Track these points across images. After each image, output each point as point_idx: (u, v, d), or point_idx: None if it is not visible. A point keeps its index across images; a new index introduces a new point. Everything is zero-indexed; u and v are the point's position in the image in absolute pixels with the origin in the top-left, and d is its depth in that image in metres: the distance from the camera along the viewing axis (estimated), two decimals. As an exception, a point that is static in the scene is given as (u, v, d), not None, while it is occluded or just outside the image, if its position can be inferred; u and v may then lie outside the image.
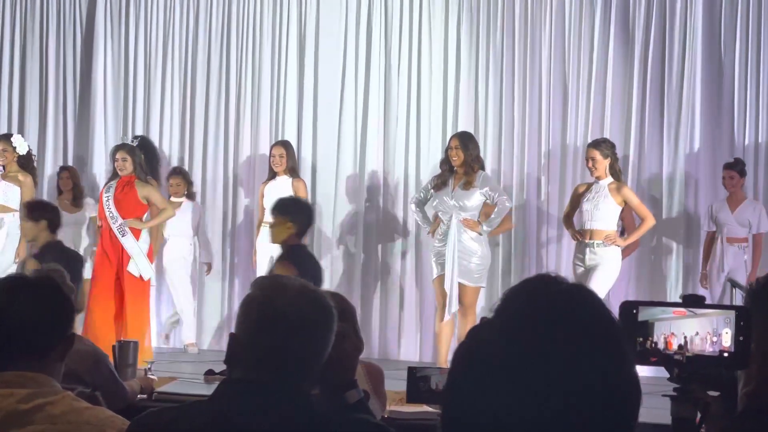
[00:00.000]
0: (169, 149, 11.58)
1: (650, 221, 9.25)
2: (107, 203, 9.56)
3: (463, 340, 1.61)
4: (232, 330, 2.58)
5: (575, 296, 1.56)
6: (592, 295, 1.58)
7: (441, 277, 9.26)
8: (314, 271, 6.81)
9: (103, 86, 11.77)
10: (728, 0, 10.23)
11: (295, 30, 11.34)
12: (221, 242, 11.34)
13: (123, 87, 11.79)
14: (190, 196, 10.86)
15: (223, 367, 2.70)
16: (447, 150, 9.51)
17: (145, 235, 9.70)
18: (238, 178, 11.42)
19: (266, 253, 10.17)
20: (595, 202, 9.03)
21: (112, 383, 5.41)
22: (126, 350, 6.25)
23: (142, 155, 10.32)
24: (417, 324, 10.78)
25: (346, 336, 2.96)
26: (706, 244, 9.94)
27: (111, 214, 9.52)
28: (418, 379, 3.96)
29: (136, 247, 9.52)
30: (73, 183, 10.91)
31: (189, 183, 10.90)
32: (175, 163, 11.52)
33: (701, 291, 9.75)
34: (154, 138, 11.30)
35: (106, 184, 9.86)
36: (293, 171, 10.29)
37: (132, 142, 10.09)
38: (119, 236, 9.51)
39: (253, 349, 2.49)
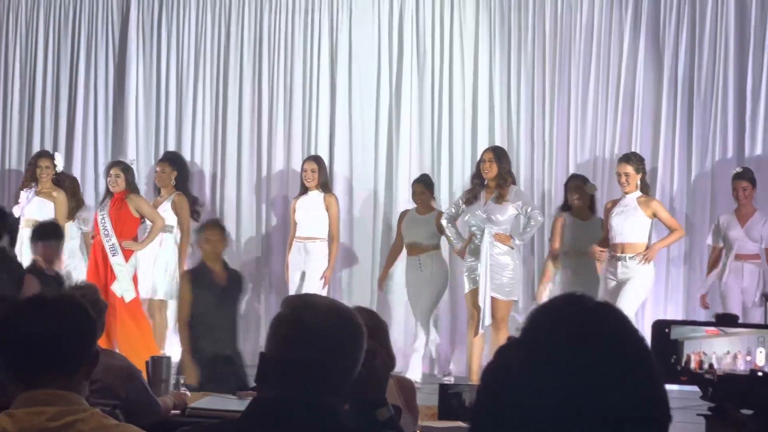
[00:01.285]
0: (201, 164, 11.62)
1: (680, 232, 9.21)
2: (102, 221, 9.70)
3: (491, 359, 1.61)
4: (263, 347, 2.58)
5: (602, 315, 1.56)
6: (618, 314, 1.57)
7: (473, 292, 9.25)
8: (9, 272, 7.33)
9: (135, 102, 11.84)
10: (759, 11, 10.17)
11: (327, 44, 11.37)
12: (255, 258, 11.36)
13: (155, 103, 11.86)
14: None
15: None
16: (479, 163, 9.50)
17: (132, 260, 9.81)
18: (270, 194, 11.44)
19: (298, 268, 10.18)
20: (624, 215, 9.01)
21: (145, 398, 5.43)
22: (159, 366, 6.28)
23: (176, 171, 10.40)
24: (449, 339, 10.73)
25: (377, 353, 2.95)
26: (710, 260, 9.45)
27: (106, 232, 9.62)
28: (449, 396, 3.95)
29: (122, 269, 9.62)
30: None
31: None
32: (208, 179, 11.55)
33: (701, 311, 9.53)
34: (186, 153, 11.36)
35: (102, 201, 10.02)
36: (325, 186, 10.30)
37: (130, 163, 10.25)
38: (110, 254, 9.63)
39: (283, 368, 2.48)
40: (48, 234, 8.40)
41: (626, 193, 9.10)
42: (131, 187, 9.93)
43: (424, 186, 10.01)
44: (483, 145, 10.47)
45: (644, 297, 9.16)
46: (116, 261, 9.63)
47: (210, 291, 7.90)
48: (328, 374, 2.49)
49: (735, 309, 8.86)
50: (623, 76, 10.47)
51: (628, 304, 8.60)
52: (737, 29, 10.23)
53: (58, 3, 12.19)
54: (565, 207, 9.60)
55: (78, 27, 12.11)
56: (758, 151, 10.13)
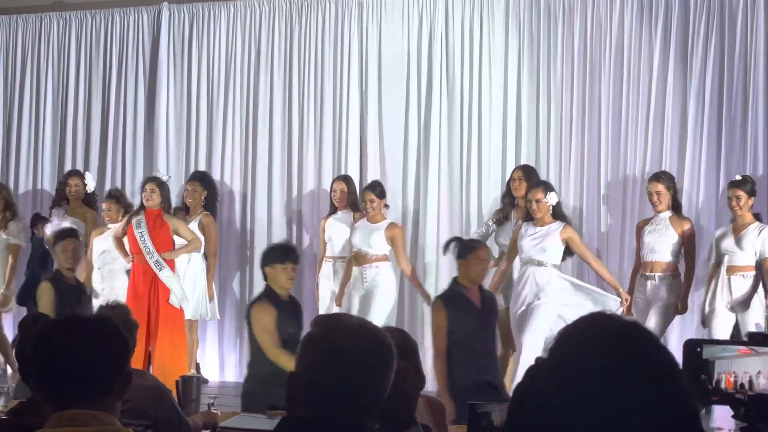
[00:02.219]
0: (231, 184, 11.66)
1: (693, 271, 9.01)
2: (142, 238, 9.63)
3: (521, 380, 1.62)
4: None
5: (630, 335, 1.56)
6: (645, 333, 1.57)
7: (504, 310, 9.22)
8: None
9: (166, 122, 11.92)
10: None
11: (356, 64, 11.39)
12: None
13: (186, 123, 11.93)
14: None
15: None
16: (509, 182, 9.49)
17: (177, 271, 9.82)
18: (302, 214, 11.46)
19: (328, 288, 10.18)
20: (656, 234, 8.95)
21: (175, 418, 5.44)
22: (189, 385, 6.29)
23: (206, 191, 10.44)
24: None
25: (407, 374, 2.95)
26: (708, 278, 8.97)
27: (147, 249, 9.58)
28: (479, 416, 3.94)
29: (173, 280, 9.58)
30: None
31: (125, 206, 10.36)
32: (238, 198, 11.59)
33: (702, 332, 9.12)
34: (216, 173, 11.41)
35: (133, 218, 9.82)
36: (354, 206, 10.31)
37: (164, 178, 10.19)
38: (156, 270, 9.57)
39: (312, 388, 2.48)
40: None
41: (658, 212, 9.05)
42: (166, 203, 9.90)
43: (373, 194, 9.82)
44: (512, 164, 10.47)
45: (674, 317, 9.09)
46: (165, 274, 9.62)
47: (469, 314, 7.55)
48: (359, 394, 2.48)
49: (720, 332, 8.55)
50: (653, 94, 10.43)
51: (658, 325, 8.57)
52: (767, 46, 10.17)
53: (90, 24, 12.32)
54: (527, 216, 9.11)
55: (109, 48, 12.22)
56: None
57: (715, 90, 10.26)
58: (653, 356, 1.55)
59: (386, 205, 10.02)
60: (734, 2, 10.27)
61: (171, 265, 9.73)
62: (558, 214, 8.95)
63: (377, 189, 9.90)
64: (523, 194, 9.24)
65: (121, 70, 12.15)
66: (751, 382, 2.33)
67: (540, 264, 8.81)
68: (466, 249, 7.80)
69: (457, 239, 8.11)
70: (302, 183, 11.48)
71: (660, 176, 9.20)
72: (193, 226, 10.31)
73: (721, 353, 2.33)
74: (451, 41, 11.13)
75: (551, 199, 8.89)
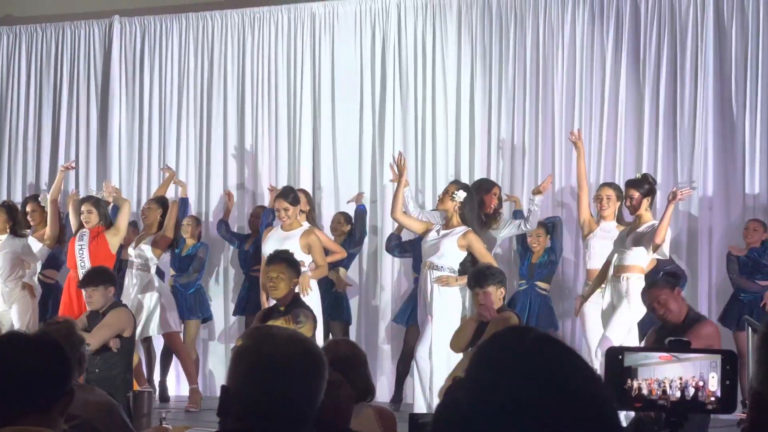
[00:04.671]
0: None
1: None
2: (80, 252, 9.58)
3: (441, 399, 1.62)
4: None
5: (543, 348, 1.55)
6: (559, 345, 1.57)
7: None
8: None
9: (118, 137, 11.89)
10: (739, 37, 10.19)
11: (309, 76, 11.40)
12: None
13: (138, 137, 11.90)
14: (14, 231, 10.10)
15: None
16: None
17: None
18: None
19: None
20: (608, 241, 8.89)
21: (126, 433, 5.40)
22: (140, 400, 6.27)
23: (161, 209, 10.34)
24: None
25: (341, 384, 2.96)
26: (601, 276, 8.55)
27: (83, 263, 9.53)
28: (419, 426, 3.95)
29: None
30: None
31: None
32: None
33: None
34: (170, 189, 11.34)
35: (77, 233, 9.75)
36: (312, 220, 10.21)
37: (99, 195, 10.12)
38: None
39: (244, 400, 2.49)
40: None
41: (603, 217, 8.97)
42: (105, 221, 9.81)
43: (286, 201, 9.11)
44: (466, 173, 10.51)
45: (632, 319, 8.92)
46: None
47: None
48: (290, 404, 2.49)
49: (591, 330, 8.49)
50: (606, 103, 10.47)
51: (615, 329, 8.48)
52: (717, 56, 10.23)
53: (40, 38, 12.25)
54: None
55: (60, 62, 12.15)
56: (747, 178, 10.11)
57: (670, 98, 10.31)
58: (569, 366, 1.55)
59: (302, 211, 9.45)
60: (683, 12, 10.33)
61: None
62: (465, 217, 8.52)
63: (289, 196, 9.21)
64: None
65: (72, 84, 12.09)
66: (672, 388, 2.36)
67: (436, 268, 8.45)
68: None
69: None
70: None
71: (612, 184, 9.26)
72: (149, 242, 10.23)
73: (644, 360, 2.36)
74: (404, 52, 11.15)
75: (458, 196, 8.50)
